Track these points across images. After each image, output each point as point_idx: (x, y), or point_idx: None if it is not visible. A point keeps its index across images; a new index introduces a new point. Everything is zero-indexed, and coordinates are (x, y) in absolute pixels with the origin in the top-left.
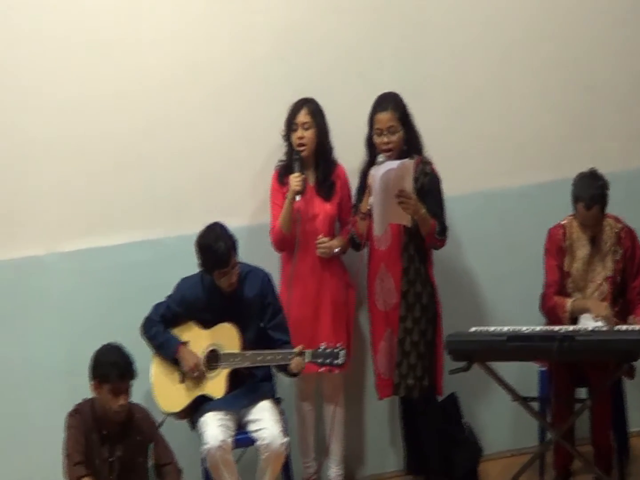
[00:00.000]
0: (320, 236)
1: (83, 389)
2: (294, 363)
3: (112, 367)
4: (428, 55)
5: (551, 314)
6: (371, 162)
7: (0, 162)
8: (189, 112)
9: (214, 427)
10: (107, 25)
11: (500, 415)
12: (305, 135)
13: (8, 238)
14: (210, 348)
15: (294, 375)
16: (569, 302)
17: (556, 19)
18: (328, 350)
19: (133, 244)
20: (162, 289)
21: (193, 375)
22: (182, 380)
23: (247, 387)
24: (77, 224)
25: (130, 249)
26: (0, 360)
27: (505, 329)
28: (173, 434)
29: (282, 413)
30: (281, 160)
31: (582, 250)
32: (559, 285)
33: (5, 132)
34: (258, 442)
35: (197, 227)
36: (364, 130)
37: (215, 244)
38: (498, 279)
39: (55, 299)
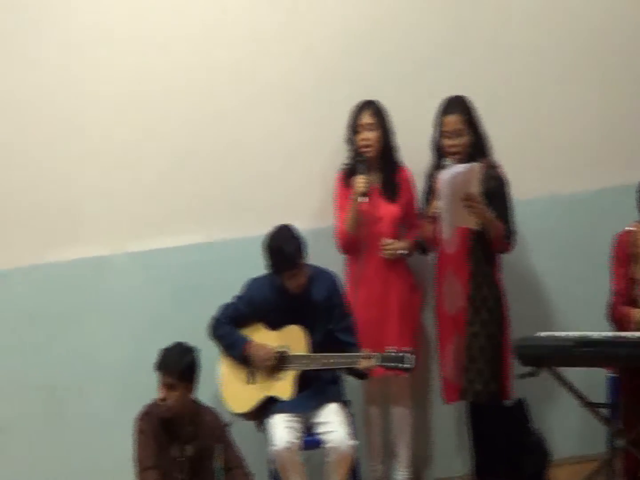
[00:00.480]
0: (386, 238)
1: (147, 387)
2: (362, 366)
3: (159, 358)
4: (498, 57)
5: (619, 325)
6: (437, 165)
7: (67, 164)
8: (254, 113)
9: (282, 429)
10: (173, 23)
11: (568, 421)
12: (369, 137)
13: (75, 238)
14: (279, 350)
15: (361, 378)
16: (636, 314)
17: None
18: (395, 354)
19: (197, 245)
20: (226, 290)
21: (266, 366)
22: (250, 381)
23: (315, 390)
24: (143, 224)
25: (194, 250)
26: (68, 358)
27: (574, 334)
28: (241, 435)
29: (349, 416)
30: (345, 163)
31: None
32: (625, 295)
33: (72, 134)
34: (325, 445)
35: (261, 229)
36: (430, 132)
37: (284, 245)
38: (566, 283)
39: (121, 298)
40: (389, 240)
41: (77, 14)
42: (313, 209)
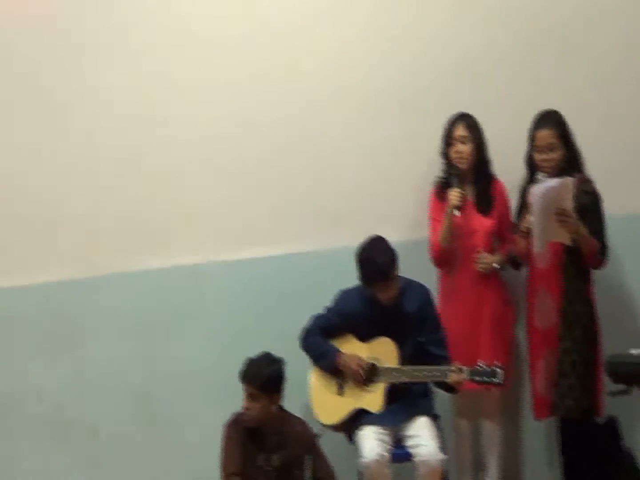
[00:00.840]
0: (480, 251)
1: (237, 395)
2: (451, 380)
3: (243, 368)
4: (590, 70)
5: None
6: (530, 179)
7: (159, 173)
8: (351, 125)
9: (372, 441)
10: (276, 38)
11: None
12: (463, 150)
13: (167, 246)
14: (369, 362)
15: (451, 391)
16: None
17: None
18: (486, 368)
19: (291, 254)
20: (319, 301)
21: (358, 377)
22: (340, 393)
23: (405, 403)
24: (236, 234)
25: (288, 259)
26: (161, 365)
27: None
28: (330, 446)
29: (439, 429)
30: (439, 176)
31: None
32: None
33: (164, 145)
34: (415, 458)
35: (355, 240)
36: (524, 146)
37: (376, 256)
38: None
39: (214, 307)
40: (483, 254)
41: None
42: (406, 221)
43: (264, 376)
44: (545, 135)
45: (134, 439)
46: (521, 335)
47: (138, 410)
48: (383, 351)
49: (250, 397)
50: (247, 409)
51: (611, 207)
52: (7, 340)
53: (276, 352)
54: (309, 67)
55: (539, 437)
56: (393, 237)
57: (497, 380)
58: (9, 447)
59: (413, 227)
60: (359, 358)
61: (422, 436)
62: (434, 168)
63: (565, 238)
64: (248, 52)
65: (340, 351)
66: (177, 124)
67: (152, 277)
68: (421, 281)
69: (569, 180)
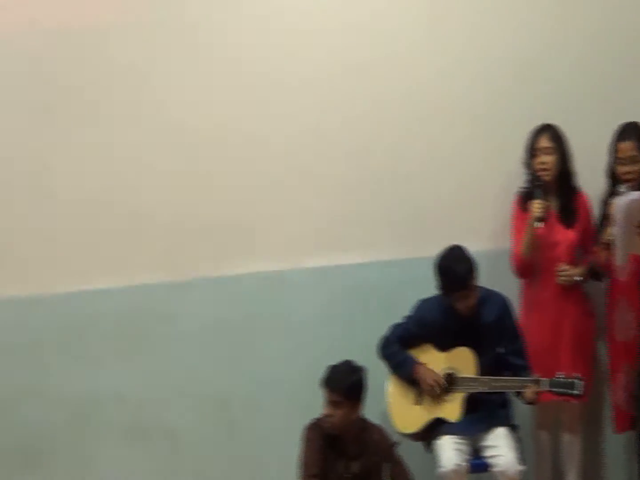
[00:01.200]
0: (562, 264)
1: (316, 403)
2: (530, 391)
3: (326, 375)
4: None
5: None
6: (612, 191)
7: (244, 180)
8: (435, 136)
9: (450, 451)
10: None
11: None
12: (547, 161)
13: (252, 252)
14: (447, 371)
15: (530, 402)
16: None
17: None
18: (565, 380)
19: (372, 263)
20: (399, 310)
21: (433, 392)
22: (418, 402)
23: (484, 413)
24: (320, 240)
25: (369, 268)
26: (241, 371)
27: None
28: (408, 454)
29: (518, 440)
30: (522, 187)
31: None
32: None
33: (248, 152)
34: (493, 469)
35: (433, 250)
36: (606, 157)
37: (455, 265)
38: None
39: (295, 314)
40: (565, 266)
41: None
42: (488, 231)
43: (347, 383)
44: (628, 147)
45: (213, 445)
46: (602, 347)
47: (217, 417)
48: (461, 361)
49: (332, 403)
50: (328, 415)
51: None
52: (90, 343)
53: (356, 360)
54: (396, 82)
55: (620, 450)
56: (473, 247)
57: (577, 392)
58: (89, 450)
59: (495, 237)
60: (436, 374)
61: (500, 447)
62: (517, 178)
63: None
64: (341, 63)
65: (418, 362)
66: (260, 131)
67: (235, 283)
68: (503, 292)
69: None
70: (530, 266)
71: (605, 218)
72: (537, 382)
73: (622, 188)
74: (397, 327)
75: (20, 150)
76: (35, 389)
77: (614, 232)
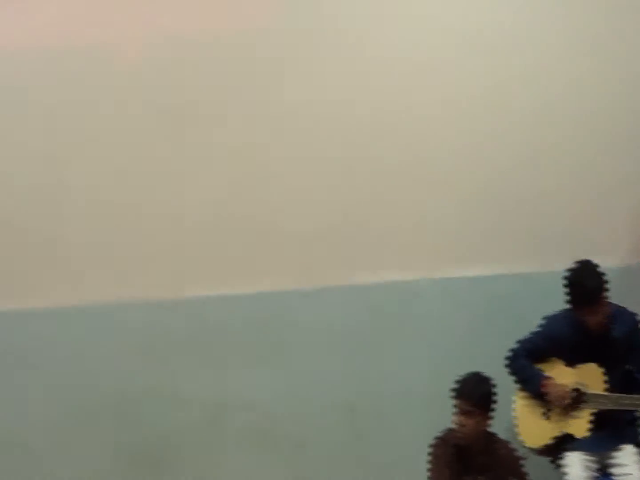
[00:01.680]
0: None
1: (443, 413)
2: None
3: (457, 384)
4: None
5: None
6: None
7: (372, 188)
8: (569, 149)
9: (577, 467)
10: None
11: None
12: None
13: (380, 262)
14: (575, 387)
15: None
16: None
17: None
18: None
19: (502, 275)
20: (527, 324)
21: (560, 404)
22: (546, 417)
23: (612, 430)
24: (452, 252)
25: (499, 280)
26: (368, 379)
27: None
28: (534, 469)
29: None
30: None
31: None
32: None
33: (378, 163)
34: None
35: (563, 264)
36: None
37: (585, 280)
38: None
39: (423, 324)
40: None
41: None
42: (619, 247)
43: (479, 393)
44: None
45: (340, 453)
46: None
47: (345, 425)
48: (590, 377)
49: (465, 413)
50: (460, 425)
51: None
52: (221, 349)
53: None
54: (520, 94)
55: None
56: (605, 263)
57: None
58: (216, 455)
59: (627, 254)
60: (564, 389)
61: (628, 465)
62: None
63: None
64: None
65: (546, 377)
66: (400, 140)
67: (365, 292)
68: (634, 309)
69: None
70: None
71: None
72: None
73: None
74: (525, 341)
75: (156, 153)
76: (163, 391)
77: None
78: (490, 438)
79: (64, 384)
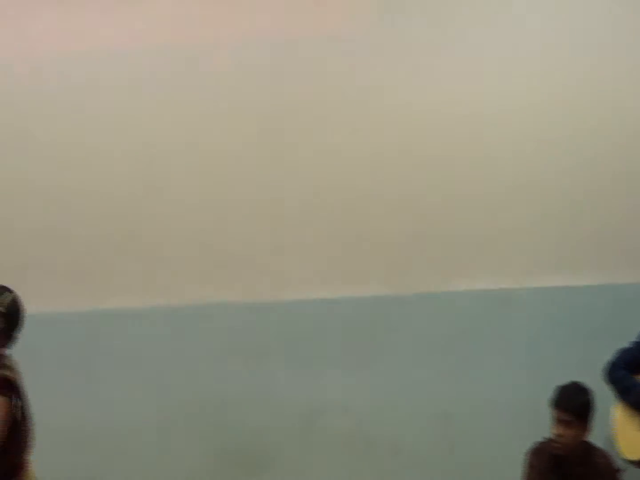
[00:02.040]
0: None
1: (539, 423)
2: None
3: (555, 394)
4: None
5: None
6: None
7: (465, 195)
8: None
9: None
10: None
11: None
12: None
13: (474, 270)
14: None
15: None
16: None
17: None
18: None
19: (595, 286)
20: (622, 335)
21: None
22: None
23: None
24: (541, 260)
25: (592, 291)
26: (465, 387)
27: None
28: None
29: None
30: None
31: None
32: None
33: (468, 168)
34: None
35: None
36: None
37: None
38: None
39: (519, 332)
40: None
41: None
42: None
43: (578, 403)
44: None
45: (433, 459)
46: None
47: (439, 431)
48: None
49: (564, 423)
50: (559, 435)
51: None
52: (311, 351)
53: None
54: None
55: None
56: None
57: None
58: (313, 459)
59: None
60: None
61: None
62: None
63: None
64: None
65: None
66: (487, 149)
67: (460, 299)
68: None
69: None
70: None
71: None
72: None
73: None
74: (624, 352)
75: (248, 160)
76: (260, 393)
77: None
78: (589, 448)
79: (163, 384)
